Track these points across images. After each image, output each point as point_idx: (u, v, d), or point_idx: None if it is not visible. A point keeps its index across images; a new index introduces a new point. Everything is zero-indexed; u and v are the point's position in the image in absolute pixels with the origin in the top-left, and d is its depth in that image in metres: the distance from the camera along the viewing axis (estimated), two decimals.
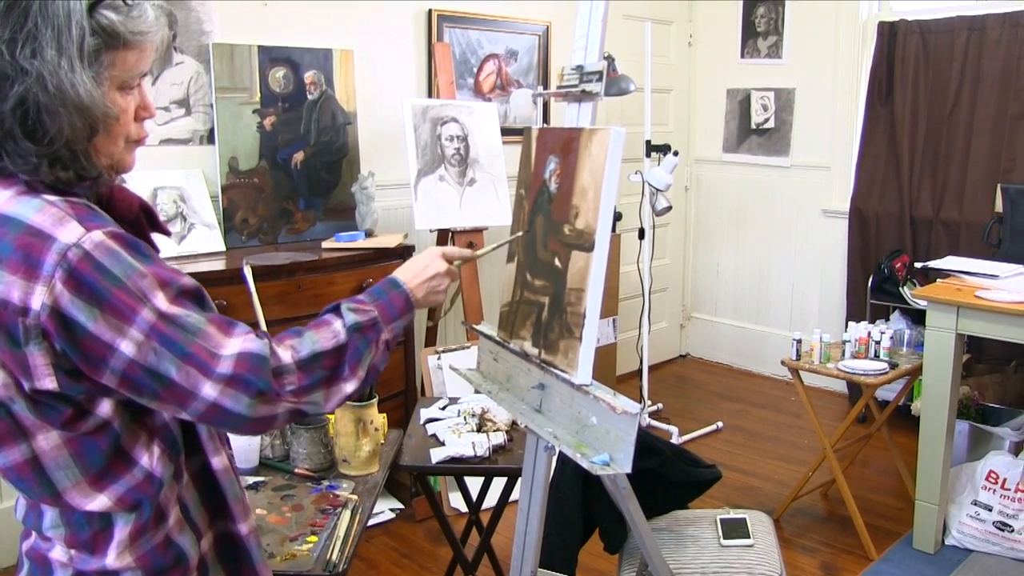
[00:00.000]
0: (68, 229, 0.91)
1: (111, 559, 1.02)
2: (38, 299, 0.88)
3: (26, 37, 0.89)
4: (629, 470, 1.39)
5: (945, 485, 2.95)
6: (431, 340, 3.53)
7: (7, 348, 0.92)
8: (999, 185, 3.72)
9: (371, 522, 3.07)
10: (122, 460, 1.01)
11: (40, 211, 0.92)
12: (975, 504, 2.95)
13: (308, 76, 3.28)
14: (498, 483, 2.51)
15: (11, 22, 0.89)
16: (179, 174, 2.99)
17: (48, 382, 0.93)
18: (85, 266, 0.90)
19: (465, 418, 2.41)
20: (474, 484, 2.75)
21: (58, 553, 1.04)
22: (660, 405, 4.45)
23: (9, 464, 0.99)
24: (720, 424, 4.21)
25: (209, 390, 0.95)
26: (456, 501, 3.20)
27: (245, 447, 1.92)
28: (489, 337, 1.81)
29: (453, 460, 2.22)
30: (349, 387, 1.07)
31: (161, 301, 0.94)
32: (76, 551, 1.03)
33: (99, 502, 1.01)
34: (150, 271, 0.94)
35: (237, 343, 0.97)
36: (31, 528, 1.07)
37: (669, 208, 3.92)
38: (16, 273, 0.88)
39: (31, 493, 1.02)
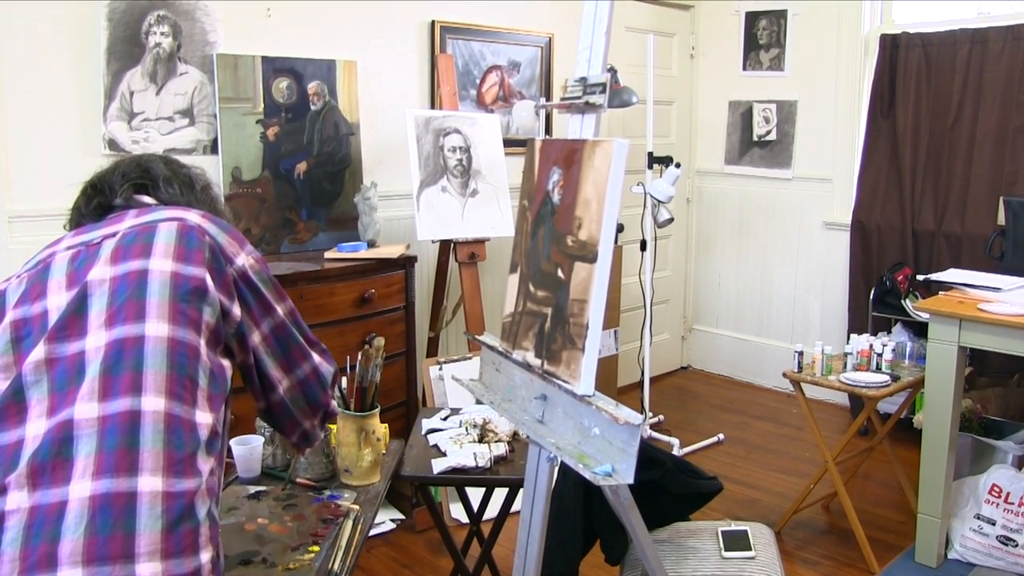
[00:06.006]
0: None
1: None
2: (243, 259, 1.30)
3: (202, 189, 1.47)
4: (631, 481, 1.39)
5: (947, 498, 2.94)
6: (433, 350, 3.54)
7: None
8: (1001, 197, 3.73)
9: (372, 532, 3.06)
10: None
11: None
12: (978, 518, 2.93)
13: (311, 87, 3.29)
14: (499, 494, 2.51)
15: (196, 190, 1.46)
16: None
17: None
18: (260, 259, 1.34)
19: (467, 428, 2.41)
20: (475, 495, 2.74)
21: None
22: (661, 417, 4.45)
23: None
24: (721, 436, 4.21)
25: (314, 356, 1.41)
26: (457, 512, 3.19)
27: (247, 456, 1.92)
28: (491, 348, 1.82)
29: (454, 471, 2.22)
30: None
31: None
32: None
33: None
34: None
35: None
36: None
37: (671, 220, 3.93)
38: (234, 238, 1.31)
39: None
